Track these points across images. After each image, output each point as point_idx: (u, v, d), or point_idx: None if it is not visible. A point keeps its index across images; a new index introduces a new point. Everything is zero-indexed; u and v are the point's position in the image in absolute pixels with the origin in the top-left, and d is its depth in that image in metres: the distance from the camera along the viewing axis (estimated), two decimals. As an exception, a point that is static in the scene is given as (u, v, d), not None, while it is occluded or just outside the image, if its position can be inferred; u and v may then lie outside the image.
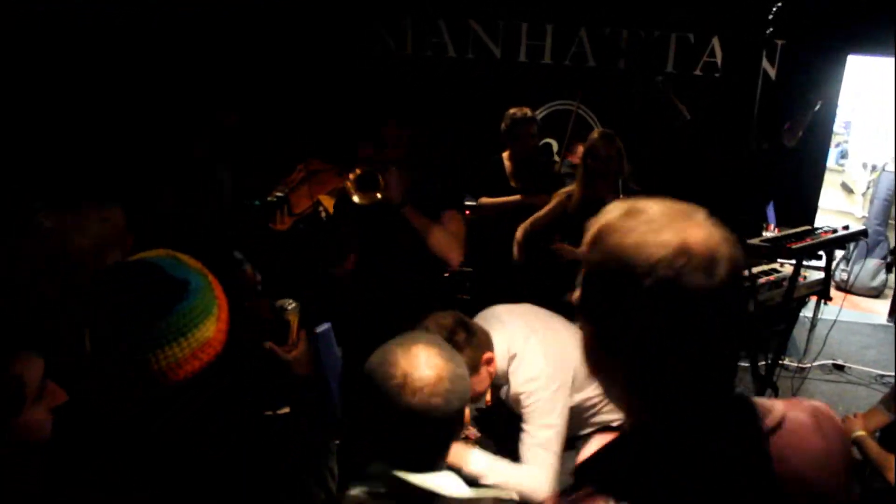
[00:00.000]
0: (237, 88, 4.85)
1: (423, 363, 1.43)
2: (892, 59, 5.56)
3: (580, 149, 5.43)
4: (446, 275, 3.81)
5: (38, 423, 1.36)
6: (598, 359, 1.08)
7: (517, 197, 4.38)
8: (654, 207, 1.03)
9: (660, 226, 0.99)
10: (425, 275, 3.21)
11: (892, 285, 7.18)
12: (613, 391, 1.10)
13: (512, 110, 4.44)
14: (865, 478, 3.13)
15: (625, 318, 0.99)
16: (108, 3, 4.24)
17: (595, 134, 3.99)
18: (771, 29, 3.50)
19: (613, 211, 1.07)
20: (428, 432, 1.42)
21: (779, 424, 1.05)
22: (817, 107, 4.55)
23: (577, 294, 1.10)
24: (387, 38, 5.96)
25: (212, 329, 1.41)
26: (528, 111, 4.44)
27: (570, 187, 4.08)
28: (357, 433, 1.51)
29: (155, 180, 3.69)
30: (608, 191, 3.93)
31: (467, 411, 1.50)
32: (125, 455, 1.38)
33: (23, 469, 1.34)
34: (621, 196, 3.94)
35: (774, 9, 3.42)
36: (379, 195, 2.94)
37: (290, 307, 1.99)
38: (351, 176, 2.97)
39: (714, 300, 0.96)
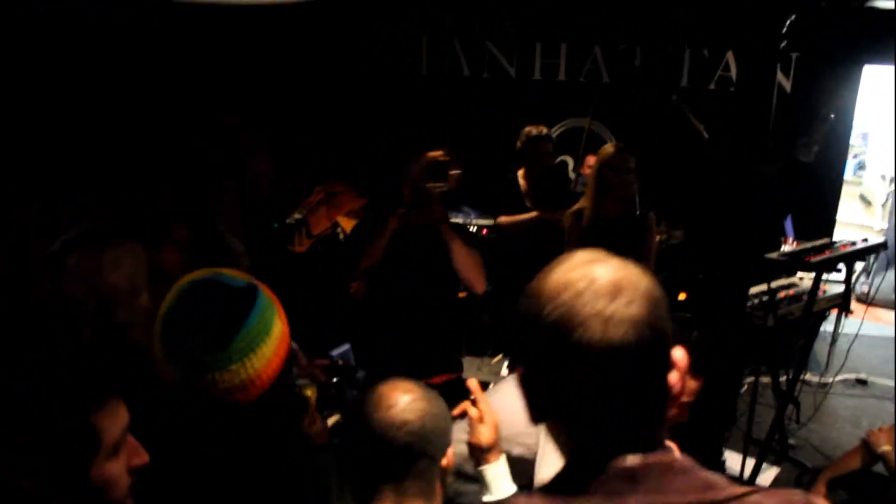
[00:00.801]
0: (254, 110, 4.90)
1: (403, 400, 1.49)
2: (893, 68, 5.55)
3: (591, 159, 5.45)
4: (462, 294, 3.81)
5: (112, 479, 1.23)
6: (527, 401, 1.04)
7: (534, 214, 4.38)
8: (579, 254, 1.02)
9: (573, 265, 0.99)
10: (444, 295, 3.20)
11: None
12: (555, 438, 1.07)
13: (528, 128, 4.45)
14: (891, 492, 3.10)
15: (538, 354, 0.98)
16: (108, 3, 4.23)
17: (611, 148, 3.97)
18: (785, 42, 3.50)
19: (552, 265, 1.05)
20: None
21: None
22: (831, 117, 4.54)
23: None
24: (403, 59, 6.01)
25: (280, 324, 1.47)
26: (543, 129, 4.45)
27: (579, 204, 4.05)
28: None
29: (155, 179, 3.71)
30: (622, 205, 3.91)
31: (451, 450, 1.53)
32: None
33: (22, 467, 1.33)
34: (638, 212, 3.93)
35: (788, 22, 3.42)
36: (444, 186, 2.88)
37: (308, 385, 2.03)
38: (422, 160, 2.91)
39: (623, 329, 0.92)
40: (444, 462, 1.50)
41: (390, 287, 3.13)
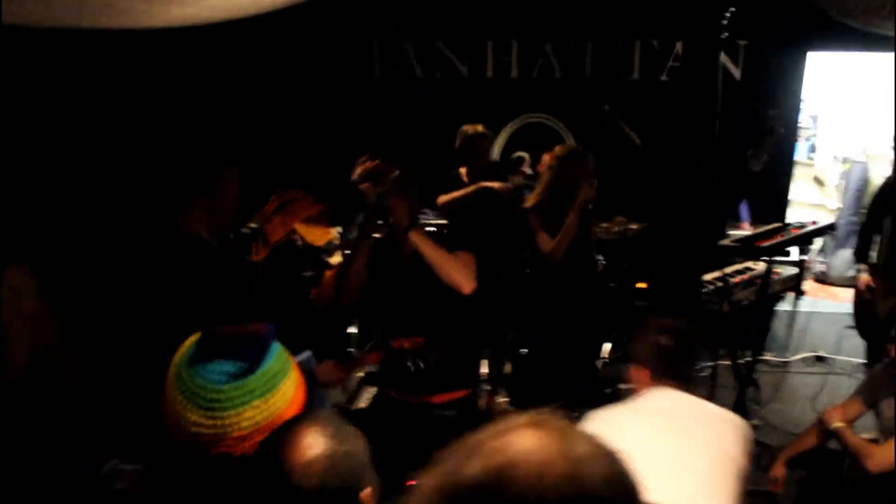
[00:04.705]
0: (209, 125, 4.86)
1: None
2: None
3: (548, 157, 5.52)
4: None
5: None
6: None
7: (472, 187, 4.40)
8: None
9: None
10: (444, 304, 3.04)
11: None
12: None
13: (465, 127, 4.47)
14: (845, 469, 3.18)
15: None
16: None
17: (586, 161, 4.04)
18: (726, 34, 3.57)
19: None
20: None
21: None
22: (780, 131, 4.65)
23: None
24: (355, 64, 6.01)
25: (296, 373, 1.49)
26: (480, 127, 4.47)
27: (534, 200, 4.09)
28: None
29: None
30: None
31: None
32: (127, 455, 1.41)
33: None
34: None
35: (728, 13, 3.49)
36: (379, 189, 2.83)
37: None
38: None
39: None
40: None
41: (390, 299, 3.06)
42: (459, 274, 2.92)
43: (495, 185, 4.39)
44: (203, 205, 2.82)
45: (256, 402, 1.35)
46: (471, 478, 0.82)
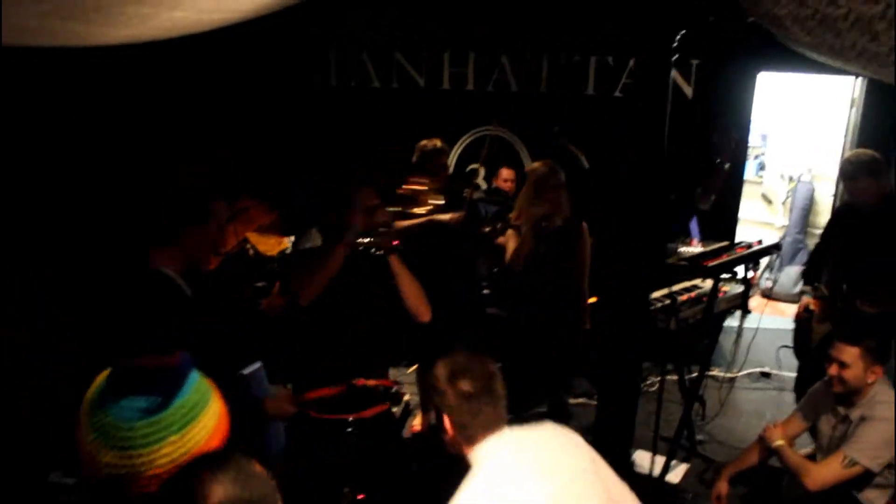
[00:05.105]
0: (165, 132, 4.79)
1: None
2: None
3: (504, 172, 5.55)
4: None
5: None
6: None
7: (422, 219, 4.38)
8: None
9: None
10: (376, 322, 3.07)
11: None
12: None
13: (422, 142, 4.46)
14: (784, 486, 3.25)
15: None
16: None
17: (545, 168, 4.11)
18: (678, 54, 3.62)
19: None
20: None
21: None
22: (726, 167, 4.77)
23: None
24: (311, 71, 5.97)
25: (219, 403, 1.42)
26: (437, 142, 4.46)
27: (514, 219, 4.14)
28: None
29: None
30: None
31: None
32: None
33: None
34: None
35: (678, 37, 3.55)
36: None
37: None
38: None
39: None
40: None
41: (322, 314, 2.96)
42: (423, 303, 3.03)
43: (445, 217, 4.35)
44: (184, 241, 2.37)
45: (173, 438, 1.29)
46: None
